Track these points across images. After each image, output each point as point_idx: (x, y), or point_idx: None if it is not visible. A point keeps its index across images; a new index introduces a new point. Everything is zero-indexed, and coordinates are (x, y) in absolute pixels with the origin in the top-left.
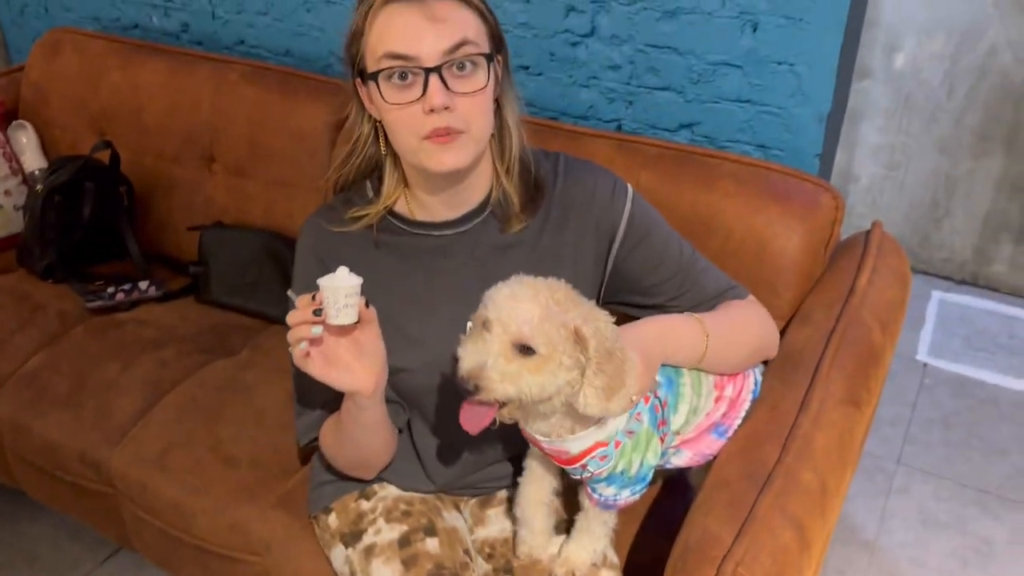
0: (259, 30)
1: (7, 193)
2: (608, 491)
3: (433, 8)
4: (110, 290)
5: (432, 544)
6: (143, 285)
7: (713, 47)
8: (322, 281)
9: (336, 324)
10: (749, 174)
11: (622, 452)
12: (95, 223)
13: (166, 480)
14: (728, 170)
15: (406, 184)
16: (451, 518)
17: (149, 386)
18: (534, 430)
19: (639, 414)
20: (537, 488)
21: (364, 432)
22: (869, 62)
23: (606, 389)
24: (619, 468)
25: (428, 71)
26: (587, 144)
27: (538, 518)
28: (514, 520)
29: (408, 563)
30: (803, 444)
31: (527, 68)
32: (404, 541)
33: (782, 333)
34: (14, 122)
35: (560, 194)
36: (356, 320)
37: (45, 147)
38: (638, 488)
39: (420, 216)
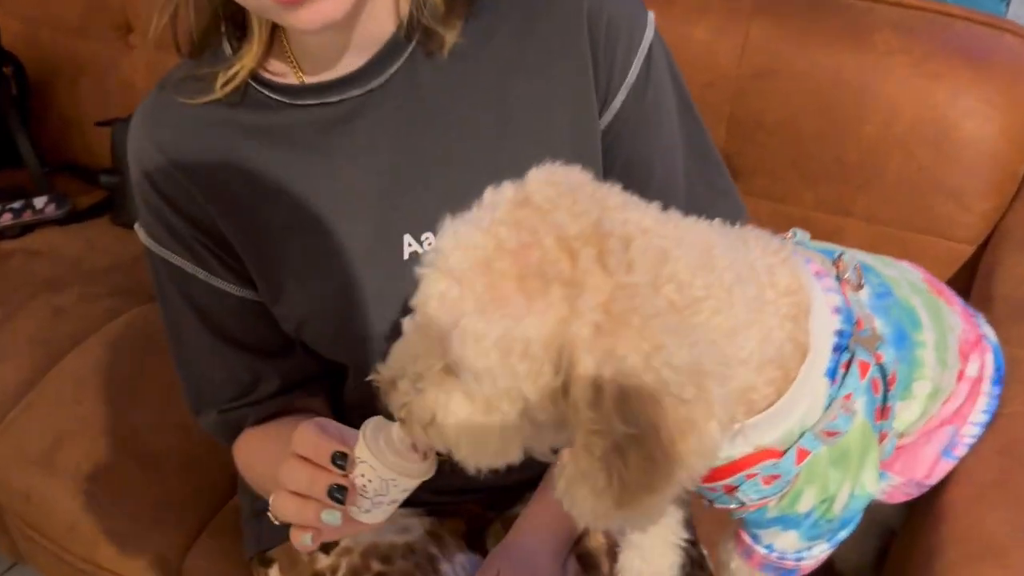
0: None
1: None
2: (785, 541)
3: None
4: None
5: None
6: (39, 203)
7: None
8: (370, 454)
9: (362, 520)
10: (920, 23)
11: (811, 471)
12: None
13: (58, 488)
14: (887, 17)
15: (277, 30)
16: (455, 567)
17: (37, 347)
18: None
19: (848, 396)
20: None
21: None
22: None
23: (611, 490)
24: (803, 503)
25: None
26: None
27: (656, 551)
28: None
29: None
30: None
31: None
32: None
33: (975, 261)
34: None
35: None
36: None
37: None
38: (842, 535)
39: (310, 75)
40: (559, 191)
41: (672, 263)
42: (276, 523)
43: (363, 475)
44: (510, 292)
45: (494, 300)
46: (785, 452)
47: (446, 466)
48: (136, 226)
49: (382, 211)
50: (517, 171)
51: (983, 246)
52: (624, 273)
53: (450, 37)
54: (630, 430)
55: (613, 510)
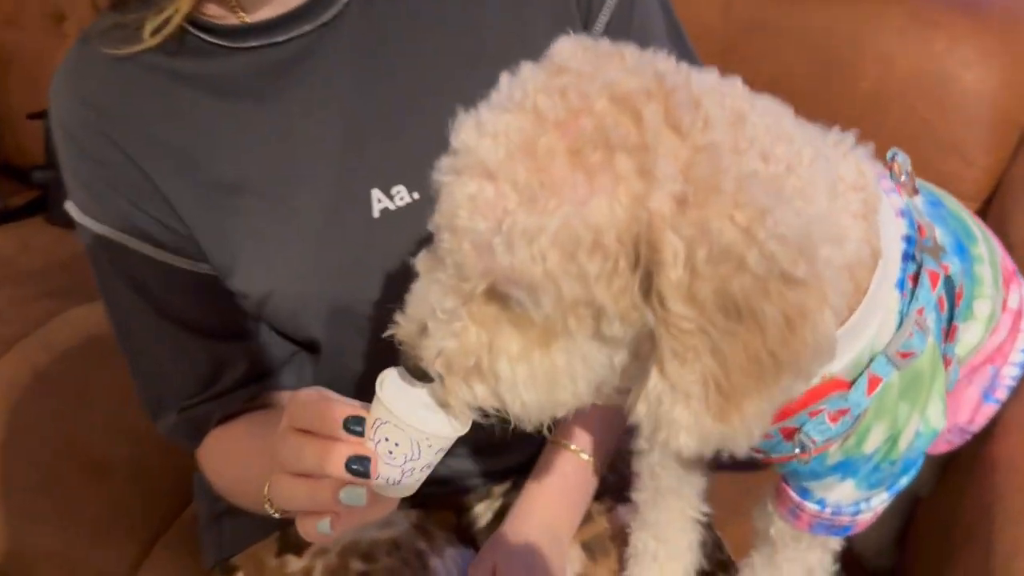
0: None
1: None
2: (841, 492)
3: None
4: None
5: None
6: None
7: None
8: (392, 412)
9: (389, 495)
10: None
11: (881, 404)
12: None
13: None
14: None
15: None
16: (445, 562)
17: None
18: None
19: (921, 310)
20: (671, 478)
21: None
22: None
23: (708, 402)
24: (870, 442)
25: None
26: None
27: (674, 527)
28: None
29: None
30: None
31: None
32: None
33: (982, 216)
34: None
35: None
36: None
37: None
38: (903, 482)
39: (252, 14)
40: (598, 53)
41: (751, 126)
42: (276, 515)
43: (387, 439)
44: (564, 172)
45: (545, 186)
46: (854, 382)
47: (494, 428)
48: (67, 204)
49: (344, 163)
50: None
51: (986, 203)
52: (700, 133)
53: None
54: (731, 325)
55: (711, 427)
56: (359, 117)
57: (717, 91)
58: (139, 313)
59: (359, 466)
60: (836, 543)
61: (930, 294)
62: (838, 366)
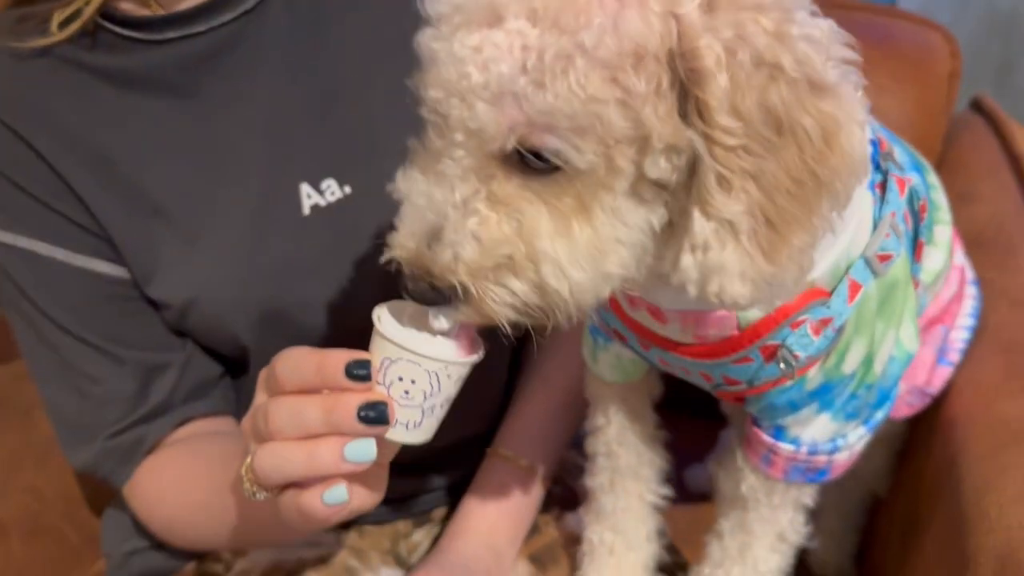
0: None
1: None
2: (817, 427)
3: None
4: None
5: None
6: None
7: None
8: (401, 347)
9: (405, 440)
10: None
11: (860, 317)
12: None
13: None
14: None
15: None
16: None
17: None
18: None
19: (893, 214)
20: (630, 456)
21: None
22: None
23: (758, 237)
24: (850, 359)
25: None
26: None
27: (632, 515)
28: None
29: None
30: None
31: None
32: None
33: None
34: None
35: None
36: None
37: None
38: (880, 414)
39: (168, 5)
40: None
41: None
42: (258, 497)
43: (401, 378)
44: None
45: (566, 8)
46: (833, 290)
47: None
48: None
49: (271, 158)
50: None
51: None
52: None
53: None
54: (774, 140)
55: (763, 267)
56: (286, 109)
57: None
58: (52, 331)
59: (373, 412)
60: (809, 496)
61: (899, 199)
62: (817, 272)
